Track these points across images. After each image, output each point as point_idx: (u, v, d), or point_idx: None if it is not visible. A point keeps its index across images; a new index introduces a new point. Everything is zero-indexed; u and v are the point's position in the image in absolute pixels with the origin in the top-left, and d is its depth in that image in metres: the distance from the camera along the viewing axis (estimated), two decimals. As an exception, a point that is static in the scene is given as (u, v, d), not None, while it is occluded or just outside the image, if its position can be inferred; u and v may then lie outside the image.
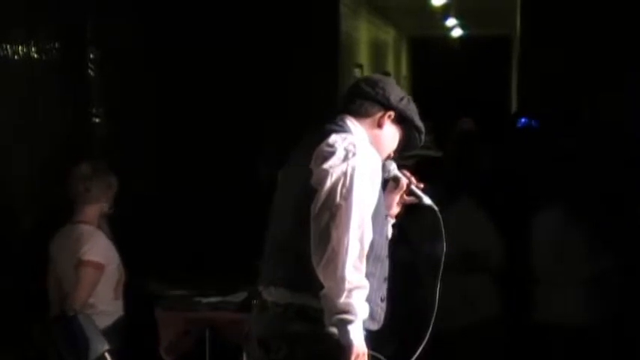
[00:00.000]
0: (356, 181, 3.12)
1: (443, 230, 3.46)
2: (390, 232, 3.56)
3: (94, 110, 6.43)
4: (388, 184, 3.53)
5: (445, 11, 13.93)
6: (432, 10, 13.27)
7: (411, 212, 4.52)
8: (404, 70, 17.51)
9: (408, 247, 5.67)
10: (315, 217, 3.12)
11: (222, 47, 7.86)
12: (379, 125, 3.39)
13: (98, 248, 4.82)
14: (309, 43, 8.11)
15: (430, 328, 3.47)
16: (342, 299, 3.06)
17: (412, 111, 3.44)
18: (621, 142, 6.75)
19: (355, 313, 3.07)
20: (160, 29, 7.20)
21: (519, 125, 7.55)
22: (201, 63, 7.72)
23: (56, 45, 5.92)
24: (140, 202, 6.15)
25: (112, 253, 4.91)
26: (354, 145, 3.19)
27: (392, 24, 15.58)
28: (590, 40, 7.48)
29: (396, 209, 3.55)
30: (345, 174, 3.13)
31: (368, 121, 3.39)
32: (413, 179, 3.51)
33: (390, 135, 3.42)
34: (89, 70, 6.35)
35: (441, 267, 3.51)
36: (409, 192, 3.51)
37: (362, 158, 3.17)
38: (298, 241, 3.16)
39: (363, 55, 12.21)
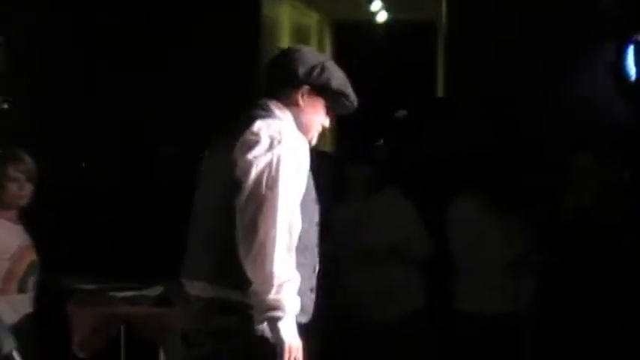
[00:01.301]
0: (282, 170, 3.12)
1: None
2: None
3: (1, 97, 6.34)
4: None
5: (369, -6, 14.01)
6: (356, -6, 13.32)
7: (334, 205, 4.58)
8: (327, 55, 17.54)
9: (330, 238, 5.74)
10: (241, 209, 3.11)
11: (135, 25, 7.77)
12: (296, 104, 3.37)
13: None
14: (229, 26, 8.07)
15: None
16: (272, 295, 3.07)
17: (328, 77, 3.38)
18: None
19: (285, 308, 3.09)
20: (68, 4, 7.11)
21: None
22: (115, 41, 7.64)
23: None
24: (53, 193, 6.09)
25: (4, 243, 4.74)
26: (280, 132, 3.18)
27: (315, 7, 15.58)
28: (518, 28, 7.59)
29: None
30: (270, 164, 3.12)
31: (287, 101, 3.36)
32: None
33: (313, 110, 3.40)
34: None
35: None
36: None
37: (287, 146, 3.16)
38: (223, 234, 3.16)
39: (285, 40, 12.19)
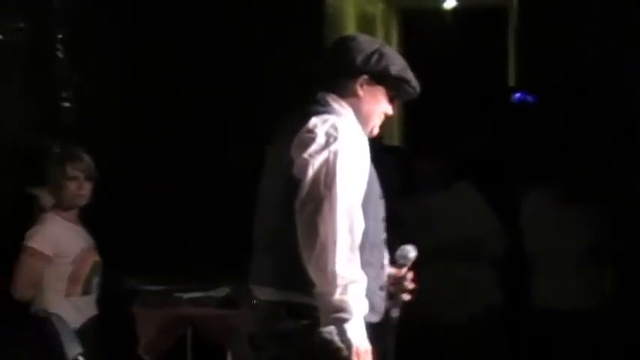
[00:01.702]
0: (339, 167, 3.05)
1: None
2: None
3: (62, 94, 6.36)
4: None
5: (436, -19, 13.88)
6: (423, -19, 13.22)
7: (404, 198, 4.50)
8: (394, 45, 17.43)
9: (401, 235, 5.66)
10: (300, 210, 3.05)
11: (200, 25, 7.80)
12: (355, 95, 3.29)
13: (46, 235, 4.69)
14: (293, 16, 8.04)
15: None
16: (337, 296, 3.00)
17: (387, 64, 3.29)
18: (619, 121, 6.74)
19: (351, 310, 3.02)
20: (134, 7, 7.14)
21: (514, 100, 7.49)
22: (179, 40, 7.66)
23: (20, 24, 5.84)
24: (116, 194, 6.10)
25: (67, 245, 4.76)
26: (336, 128, 3.11)
27: (380, -4, 15.49)
28: (593, 12, 7.44)
29: None
30: (327, 161, 3.06)
31: (345, 92, 3.28)
32: (407, 281, 3.40)
33: (373, 100, 3.32)
34: (57, 52, 6.28)
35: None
36: (396, 287, 3.41)
37: (345, 141, 3.09)
38: (285, 236, 3.10)
39: (351, 29, 12.12)
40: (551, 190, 5.47)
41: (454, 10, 17.39)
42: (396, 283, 3.41)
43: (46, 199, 5.11)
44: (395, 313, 3.39)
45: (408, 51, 18.87)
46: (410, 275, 3.42)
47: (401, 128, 15.41)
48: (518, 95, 7.51)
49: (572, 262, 5.38)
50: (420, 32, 17.69)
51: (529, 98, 7.38)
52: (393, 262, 3.43)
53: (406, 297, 3.43)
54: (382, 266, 3.33)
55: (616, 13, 7.34)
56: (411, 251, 3.41)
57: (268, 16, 7.95)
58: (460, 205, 5.55)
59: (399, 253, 3.41)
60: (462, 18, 17.01)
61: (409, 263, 3.42)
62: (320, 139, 3.09)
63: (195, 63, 7.72)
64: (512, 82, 10.67)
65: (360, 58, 3.26)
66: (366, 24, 14.29)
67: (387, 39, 16.88)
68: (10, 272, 4.70)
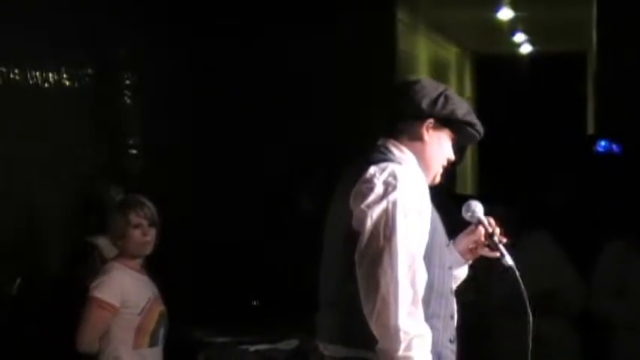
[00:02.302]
0: (399, 217, 2.98)
1: (525, 295, 3.27)
2: (464, 273, 3.44)
3: (130, 141, 6.43)
4: (470, 225, 3.36)
5: (513, 26, 13.81)
6: (498, 25, 13.17)
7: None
8: (468, 90, 17.38)
9: (474, 287, 5.58)
10: (360, 263, 2.98)
11: (268, 71, 7.87)
12: (420, 139, 3.22)
13: (112, 286, 4.70)
14: (366, 62, 8.09)
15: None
16: (400, 353, 2.94)
17: (453, 107, 3.23)
18: None
19: None
20: (199, 53, 7.22)
21: (599, 150, 7.39)
22: (245, 88, 7.73)
23: (89, 71, 5.93)
24: (183, 243, 6.12)
25: (134, 295, 4.77)
26: (395, 177, 3.03)
27: (454, 41, 15.46)
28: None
29: (468, 256, 3.40)
30: (385, 212, 2.99)
31: (409, 137, 3.22)
32: (497, 230, 3.33)
33: (438, 144, 3.25)
34: (125, 98, 6.36)
35: (530, 333, 3.37)
36: (491, 244, 3.32)
37: (404, 190, 3.02)
38: (348, 290, 3.05)
39: (423, 75, 12.12)
40: (632, 243, 5.34)
41: (530, 55, 17.33)
42: (487, 238, 3.31)
43: (107, 247, 5.14)
44: (508, 260, 3.26)
45: (482, 96, 18.82)
46: (497, 229, 3.31)
47: (474, 176, 15.32)
48: (602, 145, 7.41)
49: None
50: (495, 77, 17.64)
51: (614, 148, 7.28)
52: (454, 202, 3.35)
53: (504, 240, 3.30)
54: (452, 317, 3.26)
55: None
56: (476, 205, 3.31)
57: (342, 62, 8.00)
58: (536, 257, 5.45)
59: (464, 210, 3.31)
60: (538, 63, 16.92)
61: (481, 217, 3.32)
62: (378, 189, 3.03)
63: (264, 114, 7.78)
64: (590, 128, 10.56)
65: (425, 102, 3.22)
66: (440, 69, 14.29)
67: (461, 84, 16.87)
68: (70, 323, 4.72)
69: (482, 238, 3.34)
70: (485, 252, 3.36)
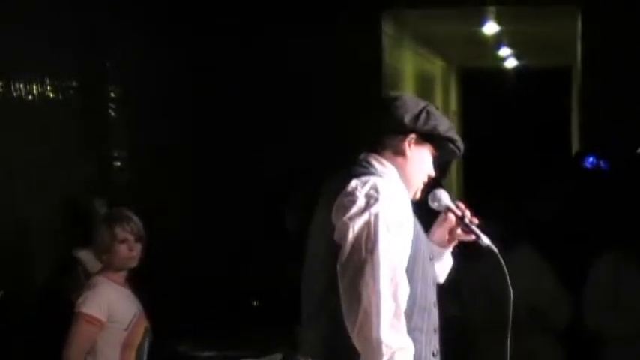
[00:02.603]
0: (381, 230, 2.98)
1: (507, 274, 3.25)
2: (449, 261, 3.47)
3: (115, 154, 6.41)
4: (440, 215, 3.40)
5: (498, 40, 13.85)
6: (484, 39, 13.21)
7: (462, 262, 4.43)
8: (453, 103, 17.42)
9: (458, 301, 5.57)
10: (342, 276, 2.98)
11: (256, 83, 7.87)
12: (402, 154, 3.24)
13: (98, 300, 4.66)
14: (351, 75, 8.10)
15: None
16: None
17: (435, 123, 3.24)
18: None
19: None
20: (187, 64, 7.22)
21: (587, 165, 7.40)
22: (234, 100, 7.72)
23: (73, 83, 5.91)
24: (169, 256, 6.10)
25: (121, 310, 4.74)
26: (376, 190, 3.04)
27: (439, 54, 15.50)
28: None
29: (448, 245, 3.43)
30: (367, 224, 2.98)
31: (391, 152, 3.23)
32: (467, 213, 3.37)
33: (420, 159, 3.27)
34: (109, 110, 6.34)
35: (509, 320, 3.32)
36: (464, 228, 3.36)
37: (386, 203, 3.02)
38: (330, 304, 3.04)
39: (409, 88, 12.14)
40: (621, 256, 5.34)
41: (515, 69, 17.39)
42: (459, 223, 3.34)
43: (90, 261, 5.12)
44: (485, 240, 3.27)
45: (467, 110, 18.88)
46: (467, 212, 3.33)
47: (459, 189, 15.33)
48: (590, 161, 7.42)
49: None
50: (480, 91, 17.70)
51: (601, 164, 7.29)
52: (436, 213, 3.35)
53: (476, 221, 3.33)
54: (435, 330, 3.25)
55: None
56: (442, 193, 3.33)
57: (328, 75, 8.01)
58: (521, 271, 5.44)
59: (430, 200, 3.33)
60: (523, 77, 16.98)
61: (448, 203, 3.34)
62: (360, 202, 3.03)
63: (252, 124, 7.78)
64: (575, 142, 10.58)
65: (408, 117, 3.23)
66: (425, 82, 14.31)
67: (447, 97, 16.91)
68: (55, 336, 4.69)
69: (455, 224, 3.36)
70: (462, 236, 3.39)
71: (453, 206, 3.36)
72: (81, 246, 5.25)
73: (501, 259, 3.25)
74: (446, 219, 3.38)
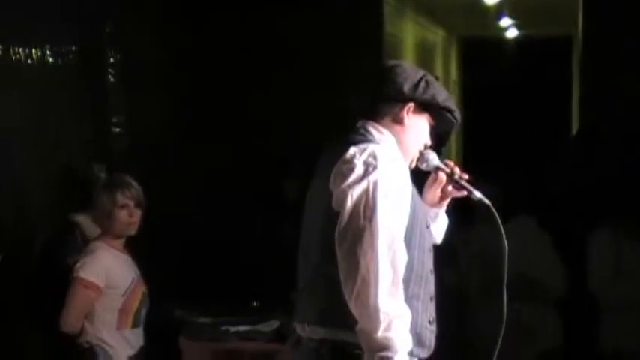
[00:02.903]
0: (379, 197, 2.98)
1: (501, 227, 3.27)
2: (444, 221, 3.48)
3: (114, 119, 6.39)
4: (429, 176, 3.41)
5: (499, 10, 13.79)
6: (485, 9, 13.15)
7: (458, 232, 4.44)
8: (453, 73, 17.38)
9: (456, 270, 5.59)
10: (340, 243, 2.98)
11: (256, 51, 7.84)
12: (400, 122, 3.23)
13: (96, 266, 4.67)
14: (351, 44, 8.07)
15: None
16: (380, 333, 2.93)
17: (434, 92, 3.24)
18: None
19: (396, 347, 2.94)
20: (186, 31, 7.19)
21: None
22: (232, 66, 7.70)
23: (73, 48, 5.89)
24: (166, 222, 6.10)
25: (118, 276, 4.75)
26: (375, 157, 3.04)
27: (440, 24, 15.44)
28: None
29: (441, 204, 3.45)
30: (366, 192, 2.99)
31: (389, 120, 3.23)
32: (457, 170, 3.38)
33: (417, 128, 3.27)
34: (109, 76, 6.32)
35: (505, 277, 3.31)
36: (455, 185, 3.38)
37: (384, 170, 3.02)
38: (327, 271, 3.05)
39: (409, 58, 12.10)
40: (619, 228, 5.36)
41: (516, 39, 17.33)
42: (449, 181, 3.37)
43: (88, 226, 5.12)
44: (477, 194, 3.30)
45: (468, 80, 18.83)
46: (456, 169, 3.37)
47: (459, 159, 15.33)
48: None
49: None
50: (481, 61, 17.64)
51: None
52: (426, 172, 3.38)
53: (465, 176, 3.36)
54: (431, 298, 3.26)
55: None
56: (429, 153, 3.33)
57: (327, 46, 7.98)
58: (519, 242, 5.45)
59: (419, 163, 3.33)
60: (524, 47, 16.92)
61: (437, 163, 3.35)
62: (358, 170, 3.03)
63: (253, 91, 7.76)
64: (575, 113, 10.57)
65: (407, 85, 3.22)
66: (426, 52, 14.27)
67: (447, 68, 16.87)
68: (52, 300, 4.70)
69: (445, 182, 3.38)
70: (454, 193, 3.41)
71: (442, 165, 3.37)
72: (79, 211, 5.25)
73: (494, 211, 3.27)
74: (436, 179, 3.40)
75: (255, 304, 5.74)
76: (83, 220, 5.23)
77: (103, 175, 5.36)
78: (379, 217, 2.98)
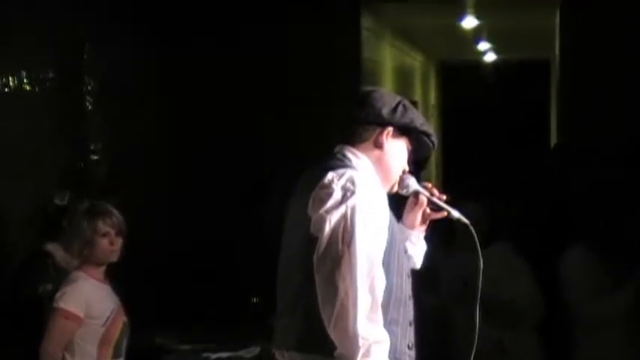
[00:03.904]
0: (357, 222, 2.98)
1: (478, 244, 3.29)
2: (423, 246, 3.49)
3: (91, 146, 6.37)
4: (408, 200, 3.42)
5: (477, 34, 13.86)
6: (463, 34, 13.21)
7: (438, 253, 4.45)
8: (432, 98, 17.44)
9: (436, 291, 5.58)
10: (318, 268, 2.98)
11: (234, 76, 7.85)
12: (380, 146, 3.24)
13: (77, 296, 4.63)
14: (329, 69, 8.08)
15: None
16: (359, 358, 2.93)
17: (412, 116, 3.27)
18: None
19: None
20: (162, 56, 7.18)
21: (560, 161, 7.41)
22: (210, 92, 7.70)
23: (50, 75, 5.87)
24: (146, 249, 6.07)
25: (99, 306, 4.71)
26: (353, 182, 3.04)
27: (419, 48, 15.49)
28: (638, 61, 7.39)
29: (421, 227, 3.46)
30: (344, 217, 2.99)
31: (368, 145, 3.24)
32: (435, 191, 3.40)
33: (396, 152, 3.28)
34: (87, 103, 6.30)
35: (479, 291, 3.33)
36: (434, 207, 3.40)
37: (362, 195, 3.02)
38: (306, 297, 3.04)
39: (388, 82, 12.13)
40: (594, 251, 5.36)
41: (494, 63, 17.42)
42: (429, 203, 3.39)
43: (60, 254, 5.09)
44: (455, 214, 3.33)
45: (447, 104, 18.90)
46: (434, 190, 3.39)
47: (439, 182, 15.35)
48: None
49: (616, 324, 5.25)
50: (459, 85, 17.72)
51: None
52: (405, 198, 3.40)
53: (443, 197, 3.39)
54: (410, 323, 3.25)
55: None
56: (409, 178, 3.35)
57: (306, 69, 7.99)
58: (496, 267, 5.45)
59: (399, 188, 3.34)
60: (502, 71, 17.01)
61: (417, 187, 3.37)
62: (337, 195, 3.03)
63: (231, 116, 7.76)
64: (554, 136, 10.61)
65: (386, 110, 3.24)
66: (405, 76, 14.31)
67: (426, 92, 16.92)
68: (28, 332, 4.66)
69: (425, 205, 3.40)
70: (433, 215, 3.43)
71: (420, 188, 3.39)
72: (51, 239, 5.22)
73: (472, 229, 3.29)
74: (416, 202, 3.41)
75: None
76: (54, 248, 5.20)
77: (64, 203, 5.33)
78: (357, 242, 2.98)
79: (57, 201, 5.40)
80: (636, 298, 5.24)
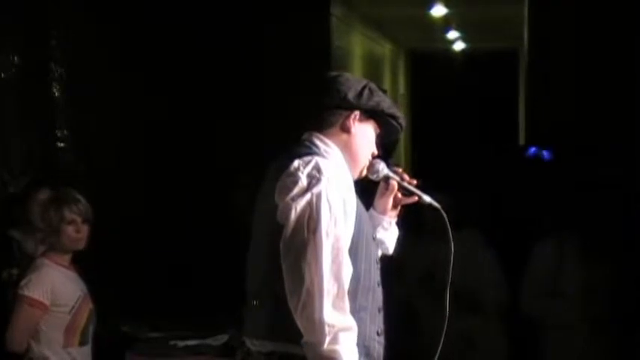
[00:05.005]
0: (323, 210, 2.98)
1: (449, 229, 3.31)
2: (395, 231, 3.48)
3: (58, 134, 6.32)
4: (379, 186, 3.42)
5: (446, 23, 13.89)
6: (432, 22, 13.24)
7: (404, 245, 4.46)
8: (401, 86, 17.47)
9: (403, 282, 5.59)
10: (285, 256, 2.97)
11: (205, 65, 7.82)
12: (347, 131, 3.23)
13: (42, 283, 4.59)
14: (298, 58, 8.07)
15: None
16: (326, 346, 2.93)
17: (378, 99, 3.26)
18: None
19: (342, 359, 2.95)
20: (132, 42, 7.14)
21: (528, 155, 7.46)
22: (181, 79, 7.66)
23: (15, 60, 5.82)
24: (113, 236, 6.04)
25: (64, 294, 4.69)
26: (319, 170, 3.04)
27: (388, 37, 15.52)
28: (605, 53, 7.42)
29: (392, 212, 3.46)
30: (309, 204, 2.98)
31: (335, 130, 3.23)
32: (405, 176, 3.40)
33: (364, 136, 3.27)
34: (53, 89, 6.25)
35: (449, 275, 3.36)
36: (404, 192, 3.40)
37: (328, 182, 3.02)
38: (274, 285, 3.03)
39: (357, 70, 12.16)
40: (559, 244, 5.37)
41: (463, 52, 17.47)
42: (400, 188, 3.39)
43: (28, 242, 5.06)
44: (426, 199, 3.34)
45: (416, 92, 18.94)
46: (405, 175, 3.40)
47: (409, 171, 15.41)
48: (532, 150, 7.48)
49: (582, 317, 5.27)
50: (428, 74, 17.76)
51: (544, 154, 7.35)
52: (376, 182, 3.40)
53: (414, 182, 3.40)
54: (379, 310, 3.25)
55: (626, 50, 7.33)
56: (379, 163, 3.35)
57: (276, 57, 7.98)
58: (463, 254, 5.46)
59: (369, 173, 3.33)
60: (471, 60, 17.07)
61: (388, 172, 3.36)
62: (302, 182, 3.02)
63: (202, 105, 7.73)
64: (522, 124, 10.67)
65: (352, 94, 3.23)
66: (374, 65, 14.33)
67: (394, 80, 16.94)
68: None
69: (396, 190, 3.40)
70: (405, 200, 3.43)
71: (391, 173, 3.38)
72: (17, 225, 5.20)
73: (444, 213, 3.31)
74: (387, 187, 3.41)
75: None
76: (22, 236, 5.18)
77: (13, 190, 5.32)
78: (323, 229, 2.97)
79: (11, 189, 5.38)
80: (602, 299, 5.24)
